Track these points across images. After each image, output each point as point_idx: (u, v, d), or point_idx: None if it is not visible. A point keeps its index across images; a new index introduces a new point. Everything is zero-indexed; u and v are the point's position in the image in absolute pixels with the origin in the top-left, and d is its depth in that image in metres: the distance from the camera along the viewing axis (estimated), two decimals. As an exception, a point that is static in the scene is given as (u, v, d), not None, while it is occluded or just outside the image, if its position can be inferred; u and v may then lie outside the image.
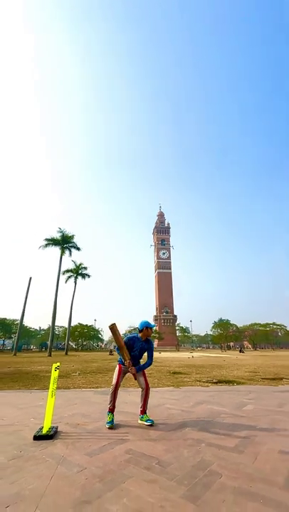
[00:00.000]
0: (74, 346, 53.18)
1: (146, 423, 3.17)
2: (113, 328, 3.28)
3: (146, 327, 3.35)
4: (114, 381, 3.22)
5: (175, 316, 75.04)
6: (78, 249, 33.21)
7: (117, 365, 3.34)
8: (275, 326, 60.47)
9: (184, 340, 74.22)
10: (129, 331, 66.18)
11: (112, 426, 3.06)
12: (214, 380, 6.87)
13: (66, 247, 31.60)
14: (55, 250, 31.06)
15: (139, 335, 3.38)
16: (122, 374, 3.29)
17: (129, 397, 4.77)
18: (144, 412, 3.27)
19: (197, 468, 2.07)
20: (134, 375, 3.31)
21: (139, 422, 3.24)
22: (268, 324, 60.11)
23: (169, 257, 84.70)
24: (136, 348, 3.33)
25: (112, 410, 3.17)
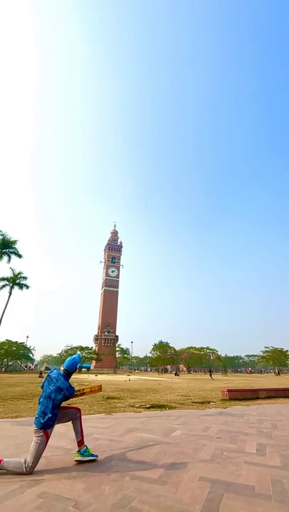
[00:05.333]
0: (-4, 367, 45.65)
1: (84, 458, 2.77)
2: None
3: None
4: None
5: (117, 337, 73.04)
6: (20, 256, 30.46)
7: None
8: (208, 350, 64.63)
9: (123, 362, 72.23)
10: (66, 351, 60.86)
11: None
12: (147, 405, 6.78)
13: (5, 253, 28.67)
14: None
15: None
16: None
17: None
18: (82, 442, 2.85)
19: (118, 506, 1.94)
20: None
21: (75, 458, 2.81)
22: (202, 348, 63.89)
23: (117, 276, 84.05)
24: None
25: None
